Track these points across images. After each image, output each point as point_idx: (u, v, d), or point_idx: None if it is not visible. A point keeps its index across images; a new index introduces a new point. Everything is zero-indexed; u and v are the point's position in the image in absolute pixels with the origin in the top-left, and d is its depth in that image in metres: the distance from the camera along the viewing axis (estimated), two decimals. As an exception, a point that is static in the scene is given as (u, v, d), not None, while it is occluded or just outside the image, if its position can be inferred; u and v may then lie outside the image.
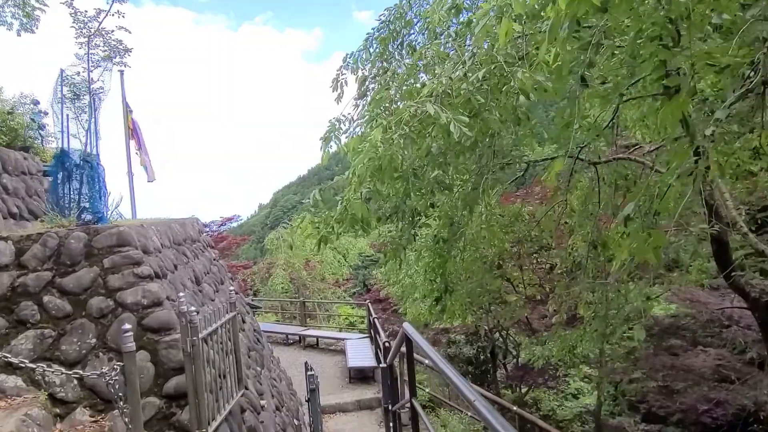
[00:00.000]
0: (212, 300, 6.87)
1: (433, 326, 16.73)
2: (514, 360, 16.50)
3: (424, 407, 12.11)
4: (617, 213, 5.74)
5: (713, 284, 9.35)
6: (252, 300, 16.76)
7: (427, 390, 11.52)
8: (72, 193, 6.28)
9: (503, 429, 1.65)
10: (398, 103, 3.90)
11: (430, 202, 4.15)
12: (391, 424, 8.43)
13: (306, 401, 8.80)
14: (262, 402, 6.51)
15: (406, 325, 4.15)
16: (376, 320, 13.37)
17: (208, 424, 4.18)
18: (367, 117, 3.84)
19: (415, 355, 4.31)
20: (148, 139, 12.04)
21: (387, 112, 3.66)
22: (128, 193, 11.44)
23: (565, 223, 5.75)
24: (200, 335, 4.13)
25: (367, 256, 30.63)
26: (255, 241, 60.54)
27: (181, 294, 4.07)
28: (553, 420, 10.61)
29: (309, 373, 8.04)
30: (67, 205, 6.07)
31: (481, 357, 17.19)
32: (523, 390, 15.59)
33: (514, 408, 8.98)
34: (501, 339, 15.79)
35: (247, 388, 5.95)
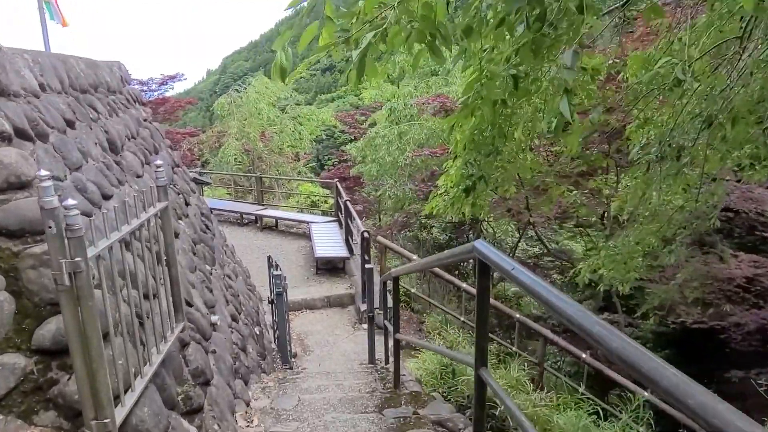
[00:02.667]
0: (139, 176, 4.76)
1: (403, 209, 15.22)
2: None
3: (404, 304, 10.66)
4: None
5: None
6: (200, 173, 14.51)
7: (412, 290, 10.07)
8: None
9: None
10: None
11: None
12: (379, 329, 6.97)
13: (270, 303, 7.16)
14: (214, 318, 4.74)
15: (481, 244, 2.30)
16: (348, 203, 11.53)
17: (118, 398, 2.35)
18: None
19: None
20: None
21: None
22: (40, 27, 8.92)
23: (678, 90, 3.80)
24: (94, 252, 2.15)
25: (324, 129, 27.47)
26: (203, 109, 56.42)
27: (44, 173, 1.99)
28: (548, 322, 9.47)
29: (275, 273, 6.28)
30: None
31: (454, 244, 15.98)
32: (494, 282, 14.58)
33: (517, 315, 7.69)
34: (490, 229, 14.35)
35: (190, 305, 4.12)
